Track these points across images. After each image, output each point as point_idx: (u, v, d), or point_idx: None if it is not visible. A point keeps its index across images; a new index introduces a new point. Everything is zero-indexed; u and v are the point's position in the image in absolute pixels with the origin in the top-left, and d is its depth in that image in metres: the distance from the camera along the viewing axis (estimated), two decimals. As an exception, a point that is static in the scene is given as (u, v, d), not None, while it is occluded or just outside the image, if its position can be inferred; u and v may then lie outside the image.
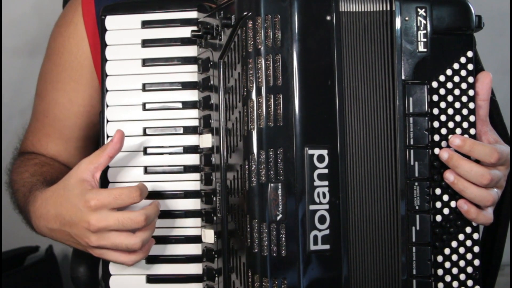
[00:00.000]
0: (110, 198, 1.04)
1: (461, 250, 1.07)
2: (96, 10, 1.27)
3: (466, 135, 1.07)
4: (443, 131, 1.07)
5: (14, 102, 1.90)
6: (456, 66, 1.08)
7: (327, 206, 1.02)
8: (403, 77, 1.06)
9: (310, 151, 1.02)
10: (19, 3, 1.87)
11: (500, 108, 1.25)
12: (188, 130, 1.16)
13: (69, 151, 1.34)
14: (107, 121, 1.17)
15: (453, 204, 1.07)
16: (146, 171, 1.16)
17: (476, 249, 1.08)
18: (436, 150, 1.06)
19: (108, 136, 1.17)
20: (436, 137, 1.07)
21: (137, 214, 1.04)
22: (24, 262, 1.90)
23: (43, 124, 1.34)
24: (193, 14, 1.17)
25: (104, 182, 1.16)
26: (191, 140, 1.16)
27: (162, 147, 1.16)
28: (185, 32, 1.16)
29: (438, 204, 1.07)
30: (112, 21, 1.18)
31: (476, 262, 1.08)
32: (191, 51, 1.17)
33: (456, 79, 1.08)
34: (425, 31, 1.07)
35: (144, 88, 1.17)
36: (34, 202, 1.15)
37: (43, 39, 1.43)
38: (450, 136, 1.06)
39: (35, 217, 1.14)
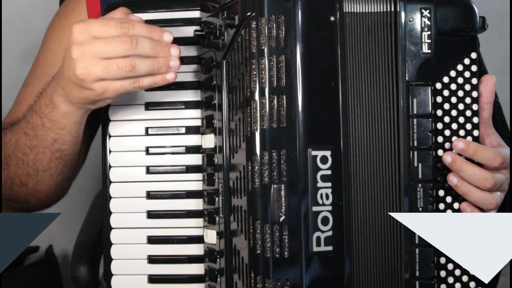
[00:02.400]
0: (96, 22, 1.00)
1: (464, 251, 1.07)
2: (101, 6, 1.25)
3: (469, 137, 1.07)
4: (447, 132, 1.07)
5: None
6: (460, 67, 1.07)
7: (330, 208, 1.02)
8: (407, 78, 1.06)
9: (313, 152, 1.02)
10: (19, 3, 1.87)
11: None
12: (191, 130, 1.16)
13: None
14: (109, 121, 1.17)
15: (456, 205, 1.07)
16: (148, 171, 1.15)
17: (479, 250, 1.08)
18: (440, 152, 1.06)
19: (110, 136, 1.16)
20: (440, 139, 1.06)
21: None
22: (24, 262, 1.90)
23: (24, 111, 1.25)
24: (195, 14, 1.16)
25: (106, 181, 1.15)
26: (193, 140, 1.16)
27: (164, 147, 1.16)
28: (188, 31, 1.15)
29: (442, 206, 1.06)
30: (114, 21, 1.18)
31: (479, 264, 1.08)
32: (193, 50, 1.16)
33: (460, 80, 1.07)
34: (429, 32, 1.06)
35: (146, 87, 1.17)
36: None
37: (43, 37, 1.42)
38: (453, 139, 1.06)
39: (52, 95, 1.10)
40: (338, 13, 1.04)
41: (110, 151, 1.16)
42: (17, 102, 1.31)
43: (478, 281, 1.07)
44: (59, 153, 1.17)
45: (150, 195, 1.15)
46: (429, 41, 1.07)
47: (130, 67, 1.00)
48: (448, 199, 1.07)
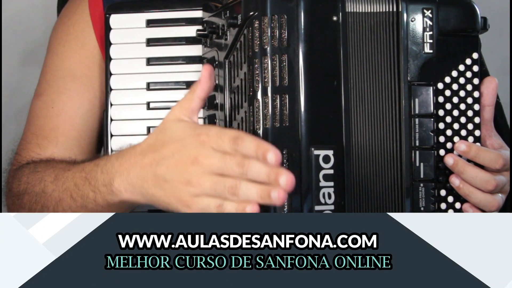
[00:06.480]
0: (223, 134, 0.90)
1: (465, 251, 1.07)
2: (103, 5, 1.24)
3: (471, 137, 1.07)
4: (448, 132, 1.07)
5: (13, 102, 1.89)
6: (461, 67, 1.08)
7: (332, 207, 1.02)
8: (408, 78, 1.06)
9: (316, 152, 1.02)
10: (19, 3, 1.87)
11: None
12: (193, 130, 1.16)
13: (78, 147, 1.22)
14: (111, 120, 1.17)
15: (457, 205, 1.07)
16: (150, 170, 1.15)
17: (480, 250, 1.08)
18: (442, 152, 1.06)
19: (112, 135, 1.17)
20: (442, 139, 1.07)
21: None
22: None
23: (45, 121, 1.21)
24: (198, 14, 1.17)
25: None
26: (195, 139, 1.16)
27: (166, 146, 1.15)
28: (190, 31, 1.16)
29: (443, 206, 1.07)
30: (116, 20, 1.18)
31: (480, 264, 1.08)
32: (196, 50, 1.17)
33: (462, 80, 1.08)
34: (431, 32, 1.07)
35: (149, 87, 1.17)
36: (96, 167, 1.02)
37: (43, 39, 1.42)
38: (455, 139, 1.07)
39: (105, 178, 1.00)
40: (340, 13, 1.04)
41: (111, 150, 1.16)
42: (32, 114, 1.24)
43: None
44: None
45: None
46: (431, 41, 1.07)
47: (235, 189, 0.89)
48: (450, 199, 1.07)
